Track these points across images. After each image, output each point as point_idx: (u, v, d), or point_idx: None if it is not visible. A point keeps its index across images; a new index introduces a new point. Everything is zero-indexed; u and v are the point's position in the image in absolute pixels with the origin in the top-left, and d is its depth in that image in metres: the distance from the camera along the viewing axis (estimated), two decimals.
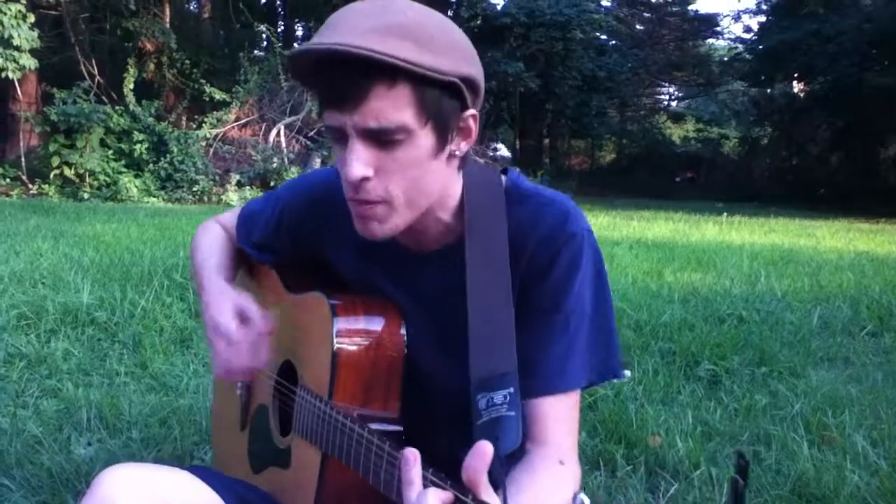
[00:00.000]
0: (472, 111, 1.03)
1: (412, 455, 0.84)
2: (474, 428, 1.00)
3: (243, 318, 1.21)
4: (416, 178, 1.01)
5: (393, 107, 0.94)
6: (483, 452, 0.78)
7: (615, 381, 1.22)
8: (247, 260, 1.48)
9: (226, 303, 1.23)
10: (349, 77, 0.94)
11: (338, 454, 1.07)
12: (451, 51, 0.97)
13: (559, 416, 1.07)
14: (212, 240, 1.44)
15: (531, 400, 1.07)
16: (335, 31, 0.94)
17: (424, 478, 0.84)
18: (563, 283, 1.08)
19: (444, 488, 0.82)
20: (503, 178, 1.15)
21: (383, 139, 0.97)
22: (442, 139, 1.01)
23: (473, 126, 1.04)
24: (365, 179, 0.98)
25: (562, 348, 1.08)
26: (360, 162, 0.97)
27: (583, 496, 0.70)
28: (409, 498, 0.82)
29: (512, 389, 1.01)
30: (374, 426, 1.01)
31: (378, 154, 0.98)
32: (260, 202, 1.41)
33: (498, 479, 0.93)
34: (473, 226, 1.09)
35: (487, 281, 1.06)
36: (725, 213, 13.47)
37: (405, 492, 0.83)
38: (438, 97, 0.97)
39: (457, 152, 1.04)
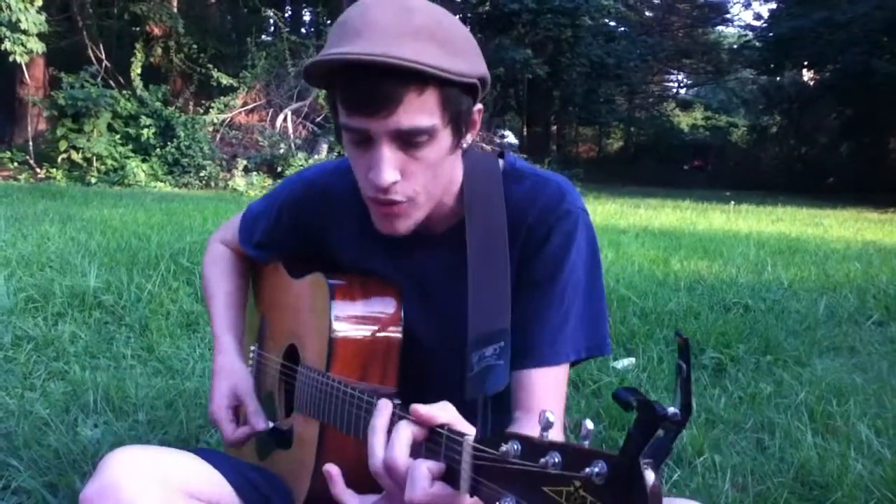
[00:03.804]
0: (478, 106, 1.08)
1: (384, 405, 0.90)
2: (465, 381, 1.05)
3: (238, 407, 1.32)
4: (437, 175, 1.05)
5: (422, 111, 0.98)
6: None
7: (602, 357, 1.26)
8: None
9: (224, 388, 1.33)
10: (383, 85, 0.95)
11: (333, 420, 1.09)
12: (469, 51, 1.02)
13: (548, 386, 1.11)
14: (217, 267, 1.50)
15: (522, 371, 1.11)
16: (362, 37, 0.95)
17: (400, 417, 0.88)
18: (559, 256, 1.12)
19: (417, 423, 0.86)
20: (500, 161, 1.19)
21: (410, 141, 1.00)
22: (457, 136, 1.05)
23: (478, 119, 1.09)
24: (394, 183, 1.02)
25: (555, 321, 1.12)
26: (389, 167, 1.00)
27: (549, 414, 0.71)
28: (373, 444, 0.87)
29: (503, 343, 1.05)
30: None
31: (403, 157, 1.01)
32: (260, 203, 1.44)
33: (480, 419, 1.00)
34: (473, 205, 1.13)
35: (486, 253, 1.10)
36: (733, 202, 13.42)
37: (369, 438, 0.88)
38: (458, 97, 1.01)
39: (464, 144, 1.09)
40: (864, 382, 2.96)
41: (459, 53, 1.00)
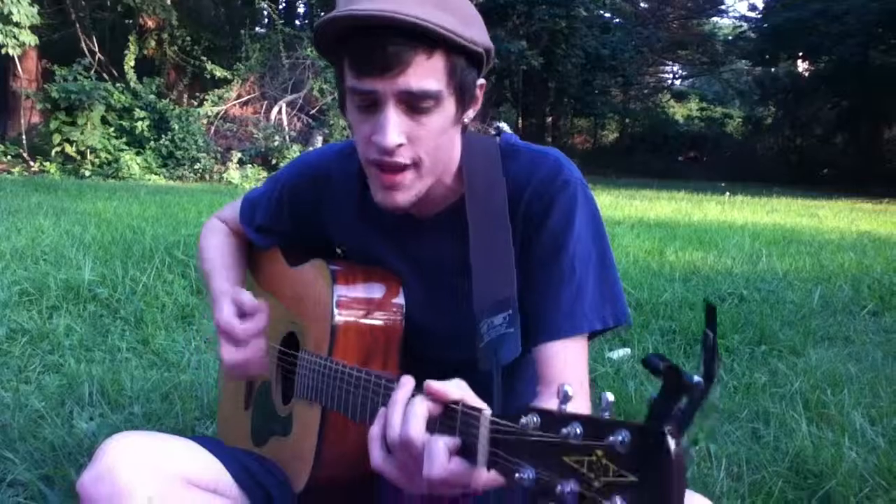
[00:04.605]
0: (481, 81, 1.08)
1: (407, 379, 0.90)
2: (477, 351, 1.05)
3: (242, 313, 1.24)
4: (440, 145, 1.06)
5: (430, 75, 0.99)
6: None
7: (622, 327, 1.25)
8: (251, 249, 1.50)
9: (225, 301, 1.27)
10: (393, 44, 0.96)
11: (336, 404, 1.08)
12: (477, 21, 1.04)
13: (567, 358, 1.10)
14: (217, 244, 1.48)
15: (541, 346, 1.10)
16: None
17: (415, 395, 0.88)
18: (562, 229, 1.11)
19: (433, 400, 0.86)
20: (497, 139, 1.19)
21: (417, 106, 1.00)
22: (461, 107, 1.06)
23: (480, 95, 1.10)
24: (399, 146, 1.02)
25: (569, 293, 1.10)
26: (396, 129, 1.01)
27: (567, 387, 0.72)
28: (391, 416, 0.86)
29: (510, 311, 1.05)
30: None
31: (409, 122, 1.01)
32: (262, 187, 1.44)
33: (496, 388, 0.98)
34: (472, 181, 1.13)
35: (488, 225, 1.10)
36: (728, 193, 13.44)
37: (389, 410, 0.88)
38: (465, 66, 1.02)
39: (465, 119, 1.09)
40: (858, 372, 2.97)
41: (467, 21, 1.01)
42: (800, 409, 2.51)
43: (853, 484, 1.96)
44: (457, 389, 0.86)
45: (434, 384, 0.86)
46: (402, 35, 0.95)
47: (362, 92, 1.00)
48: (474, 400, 0.86)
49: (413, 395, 0.88)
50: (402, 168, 1.04)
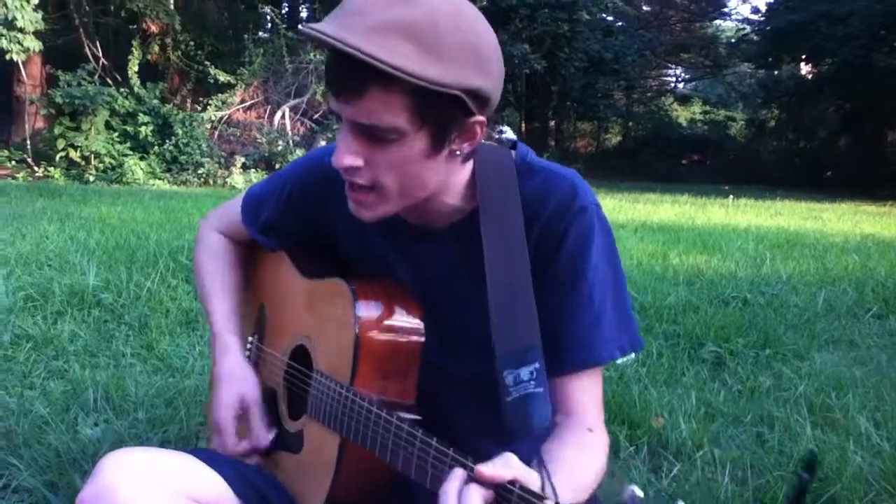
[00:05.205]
0: (477, 118, 1.00)
1: (458, 473, 0.88)
2: (504, 405, 1.02)
3: (243, 416, 1.27)
4: (407, 174, 1.01)
5: (386, 109, 0.94)
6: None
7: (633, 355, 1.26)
8: (252, 248, 1.48)
9: (232, 396, 1.28)
10: (347, 72, 0.93)
11: (358, 439, 1.07)
12: (460, 59, 0.93)
13: (585, 388, 1.11)
14: (215, 261, 1.45)
15: (560, 377, 1.10)
16: (344, 19, 0.92)
17: (469, 479, 0.86)
18: (579, 255, 1.10)
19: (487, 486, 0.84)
20: (512, 153, 1.16)
21: (374, 135, 0.97)
22: (438, 143, 0.99)
23: (479, 131, 1.02)
24: (352, 168, 1.00)
25: (587, 322, 1.10)
26: (348, 151, 0.99)
27: (634, 488, 0.73)
28: (447, 491, 0.85)
29: (537, 364, 1.03)
30: None
31: (368, 146, 0.98)
32: (264, 184, 1.41)
33: (529, 457, 0.96)
34: (487, 201, 1.10)
35: (505, 253, 1.07)
36: (731, 196, 13.42)
37: (442, 502, 0.85)
38: (437, 105, 0.95)
39: (458, 152, 1.03)
40: (863, 375, 2.96)
41: (444, 59, 0.92)
42: (804, 412, 2.50)
43: (858, 488, 1.95)
44: (508, 470, 0.84)
45: (485, 470, 0.83)
46: (354, 65, 0.90)
47: (330, 109, 1.00)
48: (526, 476, 0.85)
49: (468, 481, 0.85)
50: (362, 187, 1.02)
